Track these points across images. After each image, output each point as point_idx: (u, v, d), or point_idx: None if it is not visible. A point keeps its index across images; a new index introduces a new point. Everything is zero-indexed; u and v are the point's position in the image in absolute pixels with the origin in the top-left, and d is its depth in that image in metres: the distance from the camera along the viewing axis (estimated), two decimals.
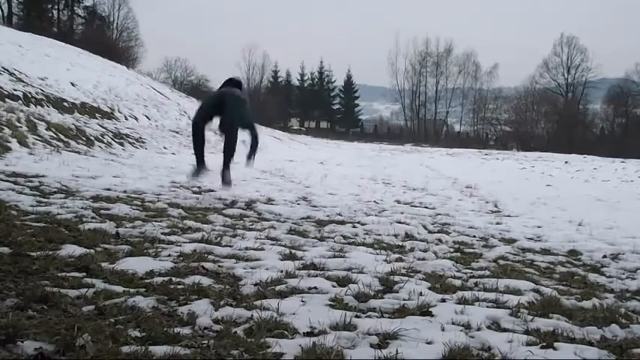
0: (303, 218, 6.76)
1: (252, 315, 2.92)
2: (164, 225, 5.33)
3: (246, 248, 4.68)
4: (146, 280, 3.44)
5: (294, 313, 3.02)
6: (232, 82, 8.59)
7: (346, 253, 4.85)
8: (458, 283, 4.06)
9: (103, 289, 3.14)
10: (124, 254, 4.02)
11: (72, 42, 37.80)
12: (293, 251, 4.68)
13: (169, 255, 4.17)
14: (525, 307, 3.46)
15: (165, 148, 16.48)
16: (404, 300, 3.48)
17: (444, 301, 3.55)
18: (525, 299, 3.65)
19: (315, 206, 7.96)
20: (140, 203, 6.57)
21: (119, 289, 3.20)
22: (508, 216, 8.46)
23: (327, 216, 7.06)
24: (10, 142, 9.71)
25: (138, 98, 25.08)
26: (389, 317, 3.12)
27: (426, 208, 8.80)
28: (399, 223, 6.85)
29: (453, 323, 3.07)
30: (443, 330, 2.94)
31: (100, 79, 24.41)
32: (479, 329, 3.01)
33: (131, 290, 3.20)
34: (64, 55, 26.27)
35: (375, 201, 9.12)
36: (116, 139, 14.30)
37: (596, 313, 3.46)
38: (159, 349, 2.38)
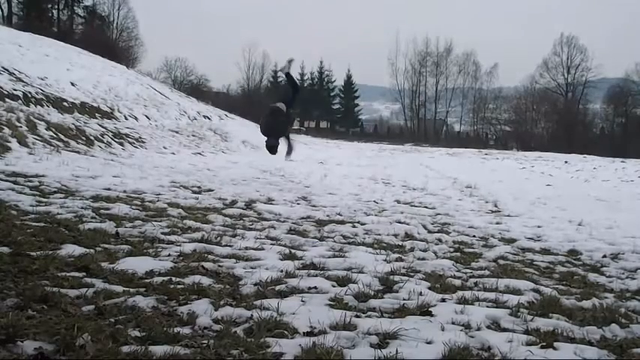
0: (302, 218, 6.76)
1: (252, 315, 2.93)
2: (164, 225, 5.33)
3: (246, 248, 4.69)
4: (146, 280, 3.44)
5: (294, 313, 3.02)
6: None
7: (346, 252, 4.86)
8: (458, 282, 4.06)
9: (103, 289, 3.14)
10: (123, 254, 4.02)
11: (72, 42, 37.72)
12: (293, 251, 4.69)
13: (169, 255, 4.17)
14: (525, 307, 3.46)
15: (165, 147, 16.47)
16: (404, 300, 3.48)
17: (443, 300, 3.55)
18: (525, 299, 3.65)
19: (314, 206, 7.96)
20: (140, 203, 6.57)
21: (119, 288, 3.20)
22: (508, 216, 8.46)
23: (327, 216, 7.07)
24: (10, 141, 9.69)
25: (138, 98, 25.04)
26: (389, 317, 3.12)
27: (426, 207, 8.81)
28: (399, 222, 6.86)
29: (453, 323, 3.07)
30: (443, 330, 2.94)
31: (100, 79, 24.38)
32: (479, 329, 3.01)
33: (131, 290, 3.20)
34: (64, 55, 26.24)
35: (374, 201, 9.13)
36: (116, 139, 14.29)
37: (596, 312, 3.46)
38: (159, 349, 2.38)
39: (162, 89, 32.05)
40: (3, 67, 17.81)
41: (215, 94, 67.49)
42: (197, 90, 68.09)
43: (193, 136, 22.09)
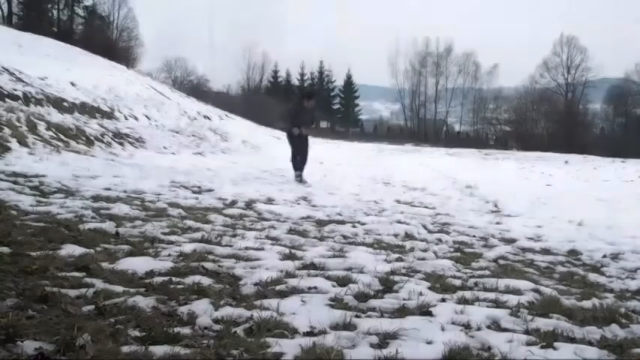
0: (303, 218, 6.76)
1: (252, 315, 2.93)
2: (164, 225, 5.33)
3: (246, 248, 4.69)
4: (146, 280, 3.44)
5: (294, 313, 3.02)
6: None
7: (346, 252, 4.86)
8: (458, 282, 4.06)
9: (102, 289, 3.14)
10: (123, 254, 4.02)
11: (72, 42, 37.73)
12: (293, 251, 4.69)
13: (169, 255, 4.17)
14: (525, 307, 3.47)
15: (165, 147, 16.48)
16: (403, 300, 3.48)
17: (443, 300, 3.55)
18: (525, 299, 3.65)
19: (314, 206, 7.96)
20: (140, 203, 6.58)
21: (119, 288, 3.20)
22: (508, 216, 8.46)
23: (327, 216, 7.07)
24: (9, 141, 9.69)
25: (138, 98, 25.04)
26: (389, 317, 3.12)
27: (426, 207, 8.80)
28: (399, 222, 6.86)
29: (453, 323, 3.07)
30: (443, 330, 2.94)
31: (100, 79, 24.37)
32: (479, 329, 3.01)
33: (131, 290, 3.20)
34: (64, 54, 26.26)
35: (375, 201, 9.13)
36: (116, 139, 14.30)
37: (596, 312, 3.46)
38: (159, 349, 2.39)
39: (163, 89, 32.05)
40: (3, 67, 17.80)
41: (215, 94, 67.62)
42: (197, 90, 68.21)
43: (193, 136, 22.08)
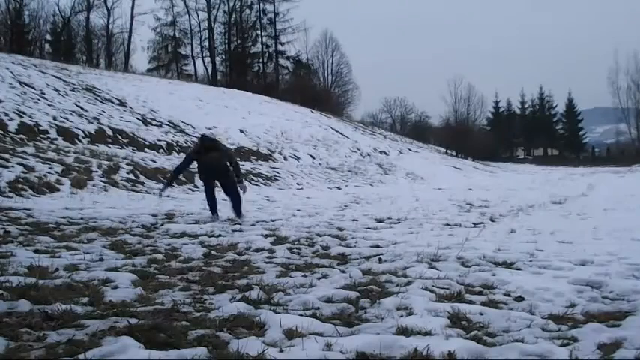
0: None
1: None
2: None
3: None
4: None
5: None
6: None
7: None
8: None
9: None
10: None
11: (277, 93, 40.61)
12: None
13: None
14: None
15: (298, 184, 16.80)
16: None
17: None
18: None
19: None
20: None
21: None
22: None
23: None
24: (63, 184, 10.01)
25: (310, 139, 26.08)
26: None
27: None
28: None
29: None
30: None
31: (275, 124, 25.95)
32: None
33: None
34: (245, 105, 28.51)
35: None
36: None
37: None
38: None
39: (344, 129, 32.92)
40: (169, 121, 19.99)
41: (440, 129, 67.19)
42: (417, 127, 68.47)
43: (349, 172, 22.24)
